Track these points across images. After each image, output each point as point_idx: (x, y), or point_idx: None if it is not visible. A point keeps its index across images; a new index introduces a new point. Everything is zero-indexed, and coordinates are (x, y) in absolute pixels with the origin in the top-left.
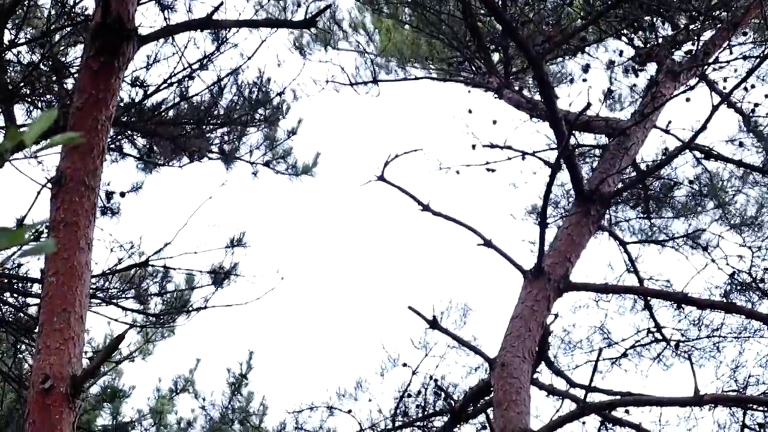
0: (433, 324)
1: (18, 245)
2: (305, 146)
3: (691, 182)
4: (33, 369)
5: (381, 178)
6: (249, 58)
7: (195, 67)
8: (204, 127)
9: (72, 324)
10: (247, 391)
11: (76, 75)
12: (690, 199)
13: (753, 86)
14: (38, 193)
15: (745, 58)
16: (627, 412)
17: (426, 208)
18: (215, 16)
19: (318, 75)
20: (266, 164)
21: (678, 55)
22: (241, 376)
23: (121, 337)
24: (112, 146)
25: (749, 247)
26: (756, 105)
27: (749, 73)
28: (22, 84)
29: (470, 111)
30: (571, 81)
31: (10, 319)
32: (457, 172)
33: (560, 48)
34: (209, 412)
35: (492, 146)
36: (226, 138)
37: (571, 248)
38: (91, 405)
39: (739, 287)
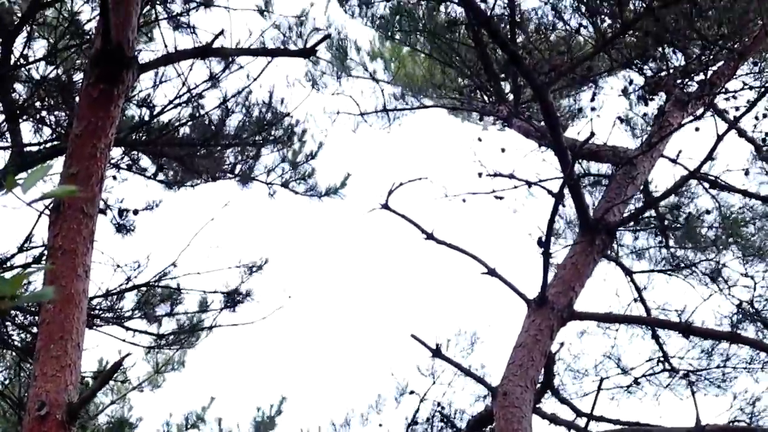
0: (436, 353)
1: (17, 292)
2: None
3: (708, 212)
4: (29, 395)
5: (385, 206)
6: (254, 80)
7: (202, 88)
8: (212, 147)
9: (69, 351)
10: None
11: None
12: (711, 232)
13: (765, 115)
14: (38, 218)
15: (751, 88)
16: None
17: (430, 236)
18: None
19: (330, 106)
20: (284, 185)
21: (688, 85)
22: (269, 419)
23: (118, 364)
24: (123, 165)
25: (752, 277)
26: (767, 134)
27: (753, 102)
28: (29, 101)
29: (480, 139)
30: (580, 111)
31: (16, 341)
32: (464, 200)
33: (567, 77)
34: None
35: (495, 175)
36: (239, 157)
37: (576, 277)
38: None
39: (747, 317)
